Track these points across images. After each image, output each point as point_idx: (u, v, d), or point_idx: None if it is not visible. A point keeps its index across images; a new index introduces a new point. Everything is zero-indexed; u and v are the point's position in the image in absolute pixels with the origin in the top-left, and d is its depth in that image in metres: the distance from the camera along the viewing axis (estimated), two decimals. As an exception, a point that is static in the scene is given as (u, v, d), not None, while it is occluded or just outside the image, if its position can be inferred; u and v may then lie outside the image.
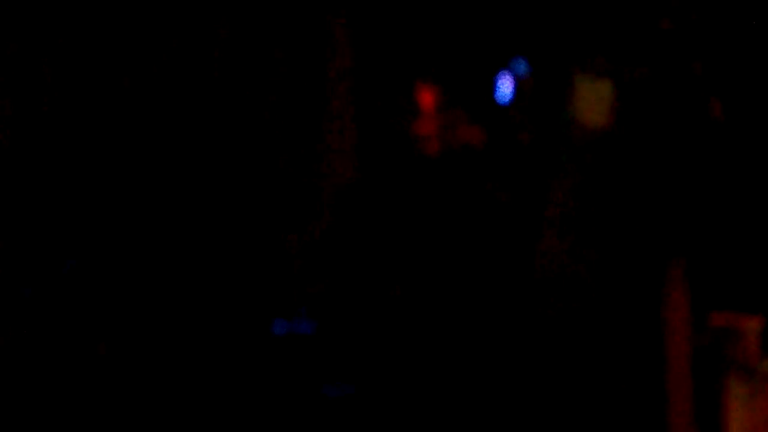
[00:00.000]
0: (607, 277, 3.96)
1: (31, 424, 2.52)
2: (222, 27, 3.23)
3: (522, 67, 4.57)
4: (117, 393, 2.56)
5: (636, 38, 4.15)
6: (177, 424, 2.51)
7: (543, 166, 4.36)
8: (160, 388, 2.54)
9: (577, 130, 4.24)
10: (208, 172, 2.67)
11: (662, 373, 3.42)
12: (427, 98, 4.70)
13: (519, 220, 4.34)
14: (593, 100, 4.20)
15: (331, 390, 2.71)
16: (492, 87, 4.60)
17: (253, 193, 2.78)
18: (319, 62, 3.76)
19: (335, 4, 3.37)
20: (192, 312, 2.58)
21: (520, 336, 3.72)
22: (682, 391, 3.38)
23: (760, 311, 3.63)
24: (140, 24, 3.09)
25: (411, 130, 4.56)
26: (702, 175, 3.88)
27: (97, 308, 2.65)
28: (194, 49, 3.10)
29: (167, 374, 2.53)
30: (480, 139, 4.64)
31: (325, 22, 3.78)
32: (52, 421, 2.53)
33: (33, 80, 2.99)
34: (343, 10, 3.80)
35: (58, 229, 2.71)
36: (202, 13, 3.11)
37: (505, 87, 4.57)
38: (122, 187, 2.73)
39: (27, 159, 2.75)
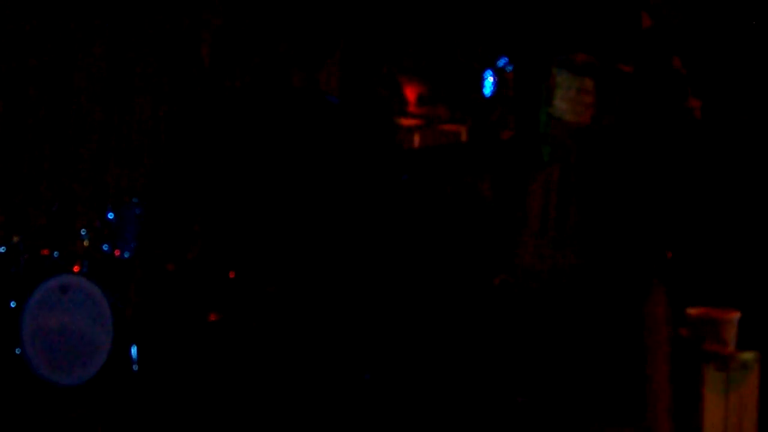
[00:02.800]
0: (588, 271, 4.00)
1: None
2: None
3: (503, 63, 4.60)
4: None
5: (616, 35, 4.19)
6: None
7: (523, 161, 4.39)
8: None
9: (557, 125, 4.26)
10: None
11: (643, 363, 3.47)
12: (409, 92, 4.73)
13: (499, 214, 4.37)
14: (573, 96, 4.23)
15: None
16: (474, 82, 4.62)
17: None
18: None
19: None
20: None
21: (502, 328, 3.75)
22: (662, 379, 3.43)
23: (736, 304, 3.68)
24: None
25: (394, 124, 4.58)
26: (680, 171, 3.92)
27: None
28: None
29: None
30: (461, 133, 4.67)
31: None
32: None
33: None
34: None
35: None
36: None
37: (486, 82, 4.60)
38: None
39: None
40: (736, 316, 3.63)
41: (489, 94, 4.55)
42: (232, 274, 2.39)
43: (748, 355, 3.61)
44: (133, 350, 4.51)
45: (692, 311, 3.68)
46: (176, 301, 2.43)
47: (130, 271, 4.42)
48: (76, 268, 4.77)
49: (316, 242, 2.55)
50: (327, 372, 2.55)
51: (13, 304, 4.75)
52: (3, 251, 5.03)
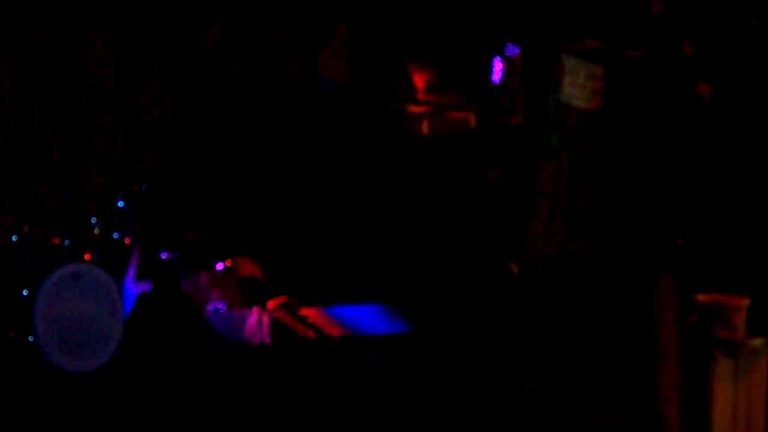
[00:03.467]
0: (597, 257, 4.00)
1: None
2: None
3: (512, 49, 4.60)
4: None
5: (625, 20, 4.18)
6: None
7: (532, 148, 4.39)
8: None
9: (566, 111, 4.26)
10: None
11: (652, 349, 3.47)
12: (418, 79, 4.73)
13: (508, 200, 4.37)
14: (582, 83, 4.22)
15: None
16: (482, 69, 4.62)
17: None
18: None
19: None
20: None
21: (510, 313, 3.76)
22: (671, 365, 3.44)
23: (746, 291, 3.68)
24: None
25: (403, 110, 4.58)
26: (690, 156, 3.91)
27: None
28: None
29: None
30: (470, 120, 4.67)
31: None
32: None
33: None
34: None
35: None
36: None
37: (495, 69, 4.60)
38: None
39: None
40: (745, 302, 3.63)
41: (497, 81, 4.55)
42: (228, 263, 2.41)
43: (757, 342, 3.61)
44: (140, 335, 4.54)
45: (701, 297, 3.68)
46: (176, 284, 2.45)
47: (130, 255, 4.45)
48: (87, 256, 4.79)
49: (320, 228, 2.56)
50: (329, 357, 2.56)
51: (25, 292, 4.79)
52: (14, 240, 5.06)
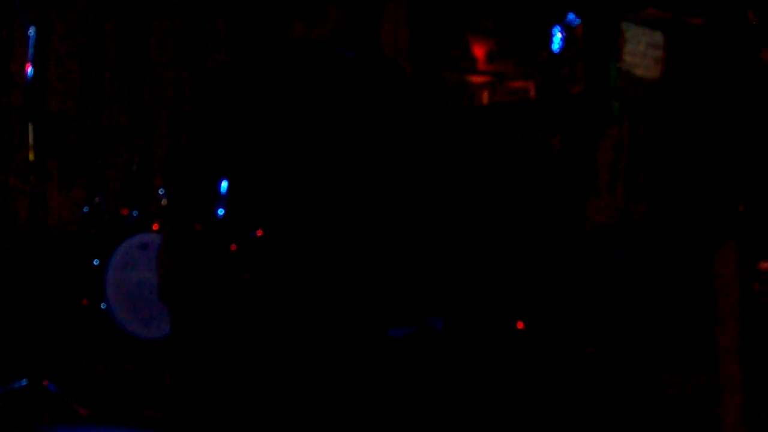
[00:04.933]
0: (659, 224, 4.01)
1: None
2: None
3: (572, 17, 4.59)
4: None
5: (687, -12, 4.15)
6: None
7: (593, 116, 4.39)
8: None
9: (627, 80, 4.25)
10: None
11: (714, 316, 3.48)
12: (478, 50, 4.75)
13: (570, 169, 4.38)
14: (643, 51, 4.21)
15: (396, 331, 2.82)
16: (542, 38, 4.62)
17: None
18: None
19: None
20: None
21: (573, 279, 3.79)
22: (733, 331, 3.44)
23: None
24: None
25: (464, 80, 4.61)
26: (753, 123, 3.89)
27: None
28: None
29: None
30: (530, 90, 4.68)
31: None
32: None
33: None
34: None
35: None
36: None
37: (555, 38, 4.60)
38: None
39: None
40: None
41: (558, 50, 4.55)
42: (260, 233, 2.43)
43: (821, 308, 3.59)
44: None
45: (764, 264, 3.67)
46: (207, 260, 2.47)
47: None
48: (155, 226, 4.91)
49: (360, 197, 2.54)
50: (383, 318, 2.58)
51: (96, 262, 4.93)
52: (85, 212, 5.20)
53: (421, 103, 2.58)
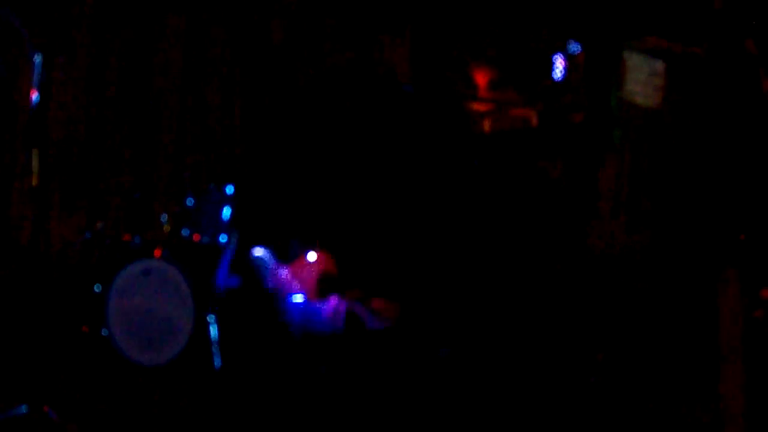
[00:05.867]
0: (661, 253, 4.01)
1: None
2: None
3: (573, 46, 4.61)
4: None
5: (687, 17, 4.17)
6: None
7: (595, 145, 4.41)
8: None
9: (628, 108, 4.27)
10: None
11: (716, 344, 3.48)
12: (481, 77, 4.77)
13: (571, 197, 4.40)
14: (644, 80, 4.23)
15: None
16: (544, 66, 4.65)
17: None
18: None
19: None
20: None
21: (575, 308, 3.79)
22: (735, 361, 3.44)
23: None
24: None
25: (467, 108, 4.62)
26: (754, 153, 3.90)
27: None
28: None
29: None
30: (532, 117, 4.70)
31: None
32: None
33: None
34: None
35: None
36: None
37: (556, 66, 4.62)
38: None
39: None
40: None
41: (559, 78, 4.58)
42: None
43: (823, 337, 3.59)
44: (214, 331, 4.64)
45: (766, 293, 3.68)
46: (260, 283, 2.53)
47: (218, 257, 4.53)
48: (157, 253, 4.91)
49: (389, 224, 2.61)
50: (401, 347, 2.62)
51: (97, 288, 4.92)
52: (88, 237, 5.20)
53: (464, 132, 2.65)
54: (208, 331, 4.67)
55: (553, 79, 4.60)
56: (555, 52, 4.61)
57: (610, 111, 4.33)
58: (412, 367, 2.74)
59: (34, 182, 3.64)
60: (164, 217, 5.05)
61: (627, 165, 4.27)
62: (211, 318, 4.66)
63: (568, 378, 3.26)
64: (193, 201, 4.96)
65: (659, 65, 4.18)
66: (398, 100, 2.63)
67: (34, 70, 3.60)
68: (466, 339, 2.97)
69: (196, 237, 4.95)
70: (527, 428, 3.02)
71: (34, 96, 3.60)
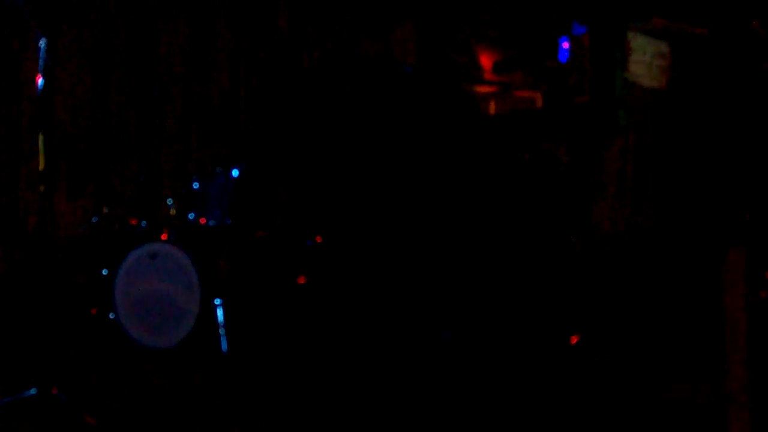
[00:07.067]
0: (666, 233, 4.02)
1: None
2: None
3: (578, 28, 4.60)
4: None
5: (693, -2, 4.16)
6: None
7: (600, 126, 4.40)
8: None
9: (633, 90, 4.27)
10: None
11: (721, 324, 3.49)
12: (484, 59, 4.77)
13: (576, 178, 4.40)
14: (649, 61, 4.22)
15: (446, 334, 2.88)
16: (549, 48, 4.64)
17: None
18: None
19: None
20: None
21: (580, 288, 3.80)
22: (740, 340, 3.45)
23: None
24: None
25: (471, 91, 4.62)
26: (759, 133, 3.90)
27: None
28: None
29: None
30: (537, 99, 4.69)
31: None
32: None
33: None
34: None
35: None
36: None
37: (561, 48, 4.61)
38: None
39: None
40: (816, 277, 3.61)
41: (564, 60, 4.57)
42: (319, 239, 2.49)
43: (828, 316, 3.59)
44: (220, 314, 4.66)
45: (771, 273, 3.68)
46: (266, 265, 2.54)
47: (222, 237, 4.56)
48: (163, 236, 4.93)
49: (394, 208, 2.62)
50: (407, 331, 2.63)
51: (105, 272, 4.95)
52: (95, 221, 5.23)
53: (468, 114, 2.65)
54: (215, 315, 4.69)
55: (558, 61, 4.60)
56: (560, 34, 4.60)
57: (615, 93, 4.33)
58: (415, 350, 2.75)
59: (41, 166, 3.66)
60: (170, 201, 5.06)
61: (632, 146, 4.27)
62: (217, 301, 4.69)
63: (572, 358, 3.27)
64: (198, 185, 4.97)
65: (664, 46, 4.17)
66: (398, 80, 2.62)
67: (39, 55, 3.60)
68: (469, 321, 2.98)
69: (202, 220, 4.97)
70: (532, 409, 3.04)
71: (40, 81, 3.61)
